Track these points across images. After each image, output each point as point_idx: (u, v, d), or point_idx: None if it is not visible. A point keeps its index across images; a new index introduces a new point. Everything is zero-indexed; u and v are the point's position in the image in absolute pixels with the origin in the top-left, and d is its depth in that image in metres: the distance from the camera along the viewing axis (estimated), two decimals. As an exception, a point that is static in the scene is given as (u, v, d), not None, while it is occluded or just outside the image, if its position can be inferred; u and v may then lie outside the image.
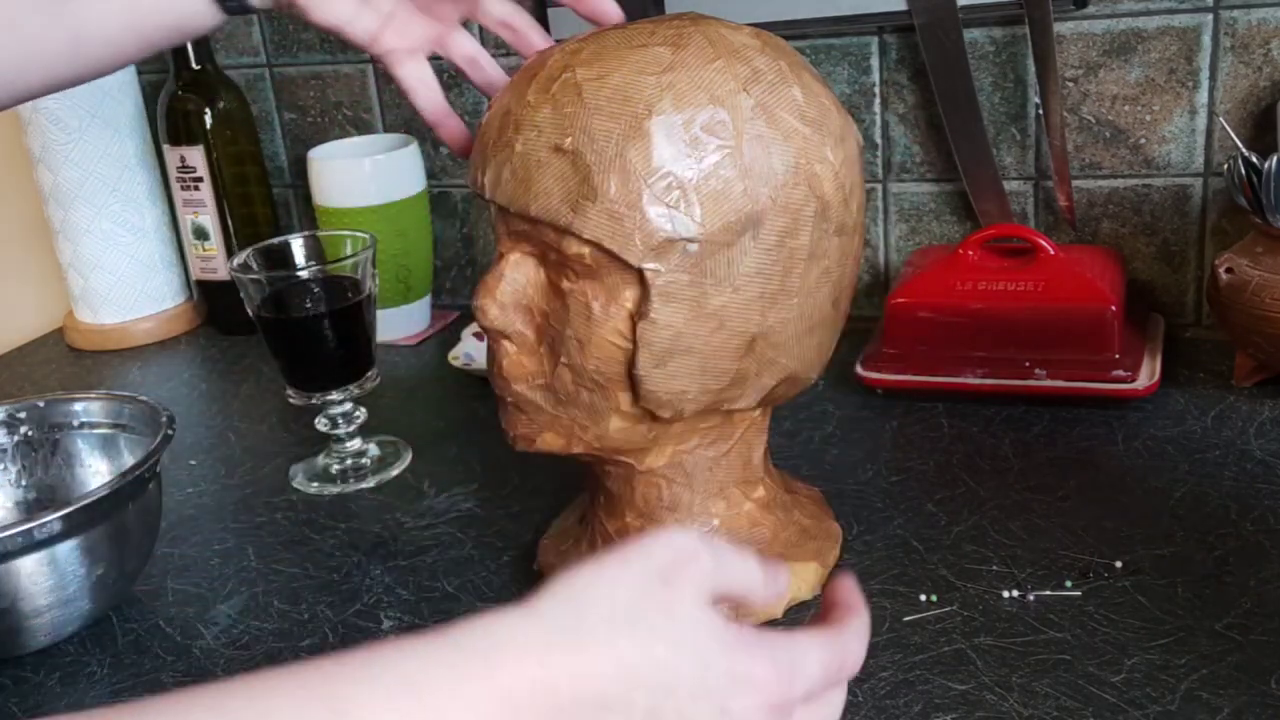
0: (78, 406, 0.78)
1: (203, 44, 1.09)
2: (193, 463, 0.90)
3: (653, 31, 0.58)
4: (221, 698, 0.34)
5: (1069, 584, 0.64)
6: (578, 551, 0.68)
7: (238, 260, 0.82)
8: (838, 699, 0.43)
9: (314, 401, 0.83)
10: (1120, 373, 0.81)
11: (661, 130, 0.55)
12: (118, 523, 0.67)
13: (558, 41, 0.64)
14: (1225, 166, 0.82)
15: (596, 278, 0.57)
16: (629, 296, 0.57)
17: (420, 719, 0.34)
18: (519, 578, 0.70)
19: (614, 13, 0.65)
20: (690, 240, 0.55)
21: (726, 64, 0.57)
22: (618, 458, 0.63)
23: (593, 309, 0.57)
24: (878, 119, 0.98)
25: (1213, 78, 0.87)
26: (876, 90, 0.97)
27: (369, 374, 0.84)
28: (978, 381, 0.84)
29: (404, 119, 1.14)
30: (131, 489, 0.67)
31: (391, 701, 0.34)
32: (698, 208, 0.55)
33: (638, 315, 0.57)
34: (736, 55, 0.57)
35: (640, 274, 0.56)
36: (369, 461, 0.86)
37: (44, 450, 0.77)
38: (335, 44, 1.13)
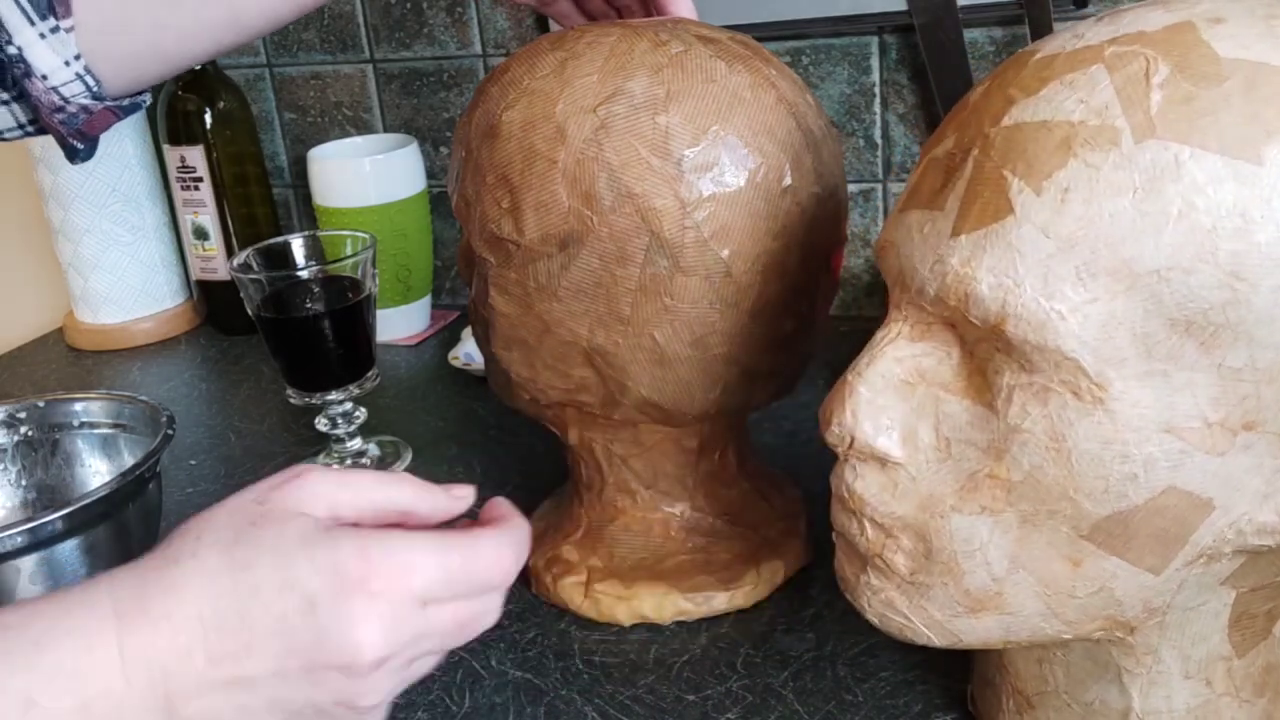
0: (78, 406, 0.77)
1: (203, 44, 1.10)
2: (193, 463, 0.90)
3: (624, 35, 0.59)
4: None
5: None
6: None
7: (238, 260, 0.82)
8: (483, 606, 0.44)
9: (314, 401, 0.83)
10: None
11: (507, 133, 0.57)
12: (118, 523, 0.67)
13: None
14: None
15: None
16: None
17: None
18: (518, 577, 0.70)
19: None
20: (513, 243, 0.58)
21: (600, 79, 0.56)
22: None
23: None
24: (878, 119, 0.98)
25: (1213, 78, 0.87)
26: (876, 90, 0.97)
27: (369, 374, 0.84)
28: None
29: (404, 119, 1.14)
30: (131, 489, 0.67)
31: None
32: (525, 214, 0.57)
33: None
34: (621, 71, 0.56)
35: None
36: (369, 461, 0.86)
37: (44, 450, 0.77)
38: (335, 44, 1.13)
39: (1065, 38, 0.42)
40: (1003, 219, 0.39)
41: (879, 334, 0.45)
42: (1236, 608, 0.44)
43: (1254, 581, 0.43)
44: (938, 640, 0.45)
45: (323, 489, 0.43)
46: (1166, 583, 0.42)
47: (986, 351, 0.41)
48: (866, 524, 0.45)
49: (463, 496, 0.47)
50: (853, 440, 0.44)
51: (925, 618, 0.45)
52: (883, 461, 0.44)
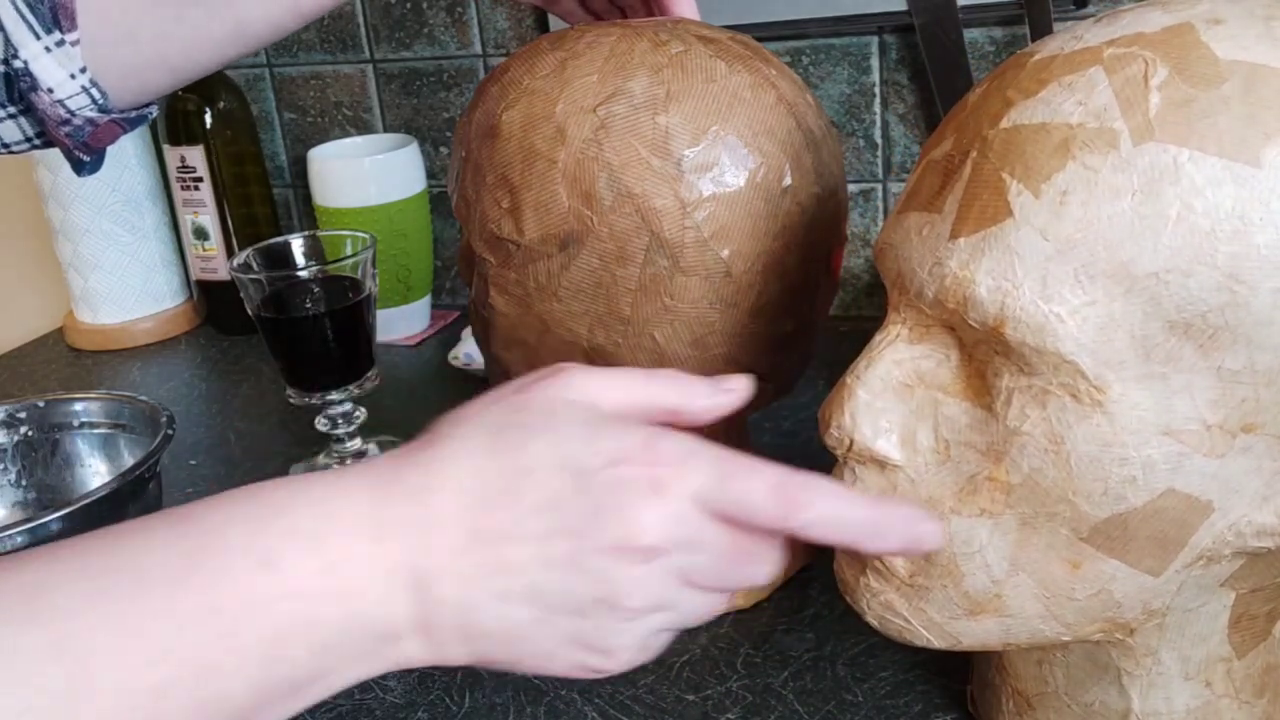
0: (78, 406, 0.77)
1: (203, 44, 1.10)
2: (193, 463, 0.90)
3: (624, 35, 0.58)
4: (177, 523, 0.38)
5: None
6: None
7: (238, 260, 0.82)
8: (758, 547, 0.40)
9: (314, 401, 0.83)
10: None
11: (507, 133, 0.57)
12: (118, 523, 0.67)
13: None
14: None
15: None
16: None
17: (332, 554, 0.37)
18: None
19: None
20: (513, 243, 0.57)
21: (600, 79, 0.56)
22: None
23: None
24: (878, 119, 0.98)
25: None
26: (876, 90, 0.97)
27: (369, 374, 0.84)
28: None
29: (404, 119, 1.14)
30: (131, 489, 0.67)
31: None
32: (525, 214, 0.57)
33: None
34: (621, 71, 0.56)
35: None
36: (369, 461, 0.86)
37: (44, 450, 0.77)
38: (335, 44, 1.13)
39: (1064, 39, 0.42)
40: (1001, 221, 0.39)
41: (877, 336, 0.45)
42: (1236, 609, 0.44)
43: (1254, 583, 0.43)
44: (937, 642, 0.45)
45: (590, 384, 0.41)
46: (1166, 584, 0.42)
47: (985, 354, 0.41)
48: None
49: (734, 389, 0.43)
50: (852, 443, 0.43)
51: (924, 620, 0.45)
52: (882, 464, 0.44)
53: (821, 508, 0.39)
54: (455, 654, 0.39)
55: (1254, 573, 0.43)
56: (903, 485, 0.43)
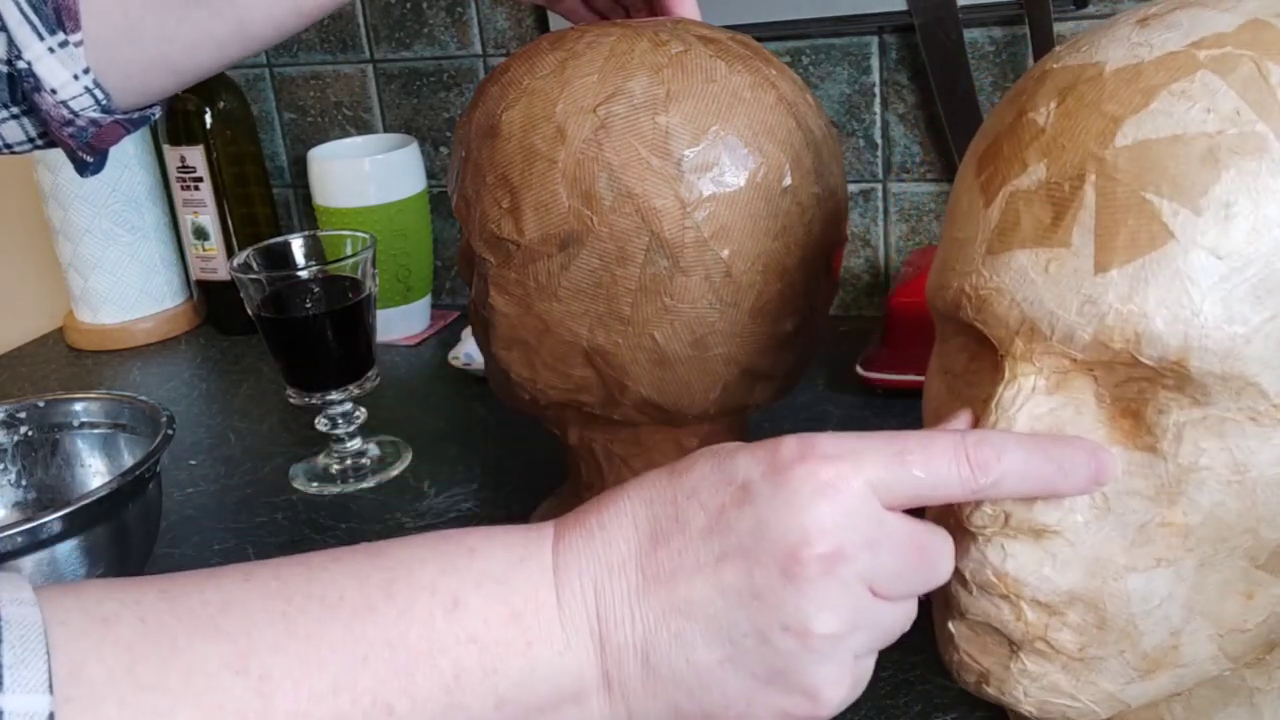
0: (78, 406, 0.77)
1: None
2: (193, 463, 0.90)
3: (624, 35, 0.58)
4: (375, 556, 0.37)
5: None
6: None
7: (238, 260, 0.82)
8: (943, 538, 0.37)
9: (314, 401, 0.83)
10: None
11: (507, 133, 0.57)
12: (118, 523, 0.67)
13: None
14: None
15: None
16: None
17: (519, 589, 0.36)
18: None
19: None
20: (513, 243, 0.57)
21: (600, 78, 0.56)
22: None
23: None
24: (878, 119, 0.98)
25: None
26: (876, 90, 0.97)
27: (369, 374, 0.84)
28: (978, 382, 0.83)
29: (404, 119, 1.14)
30: (131, 489, 0.67)
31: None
32: (525, 214, 0.57)
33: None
34: (621, 71, 0.56)
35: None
36: (369, 461, 0.86)
37: (44, 450, 0.77)
38: (335, 44, 1.13)
39: (1116, 48, 0.39)
40: (1161, 246, 0.36)
41: (1003, 393, 0.40)
42: None
43: None
44: (1104, 713, 0.41)
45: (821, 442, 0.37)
46: None
47: (1139, 391, 0.38)
48: (1024, 607, 0.40)
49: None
50: (1007, 517, 0.39)
51: (1094, 693, 0.40)
52: (1039, 533, 0.39)
53: (1008, 460, 0.36)
54: (645, 714, 0.36)
55: None
56: (1062, 552, 0.39)
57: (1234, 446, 0.37)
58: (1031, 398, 0.39)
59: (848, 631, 0.35)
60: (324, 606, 0.35)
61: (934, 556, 0.38)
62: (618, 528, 0.37)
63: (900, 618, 0.38)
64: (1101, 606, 0.39)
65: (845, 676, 0.36)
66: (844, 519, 0.35)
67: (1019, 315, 0.39)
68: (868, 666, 0.38)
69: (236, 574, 0.35)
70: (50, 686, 0.30)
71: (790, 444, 0.36)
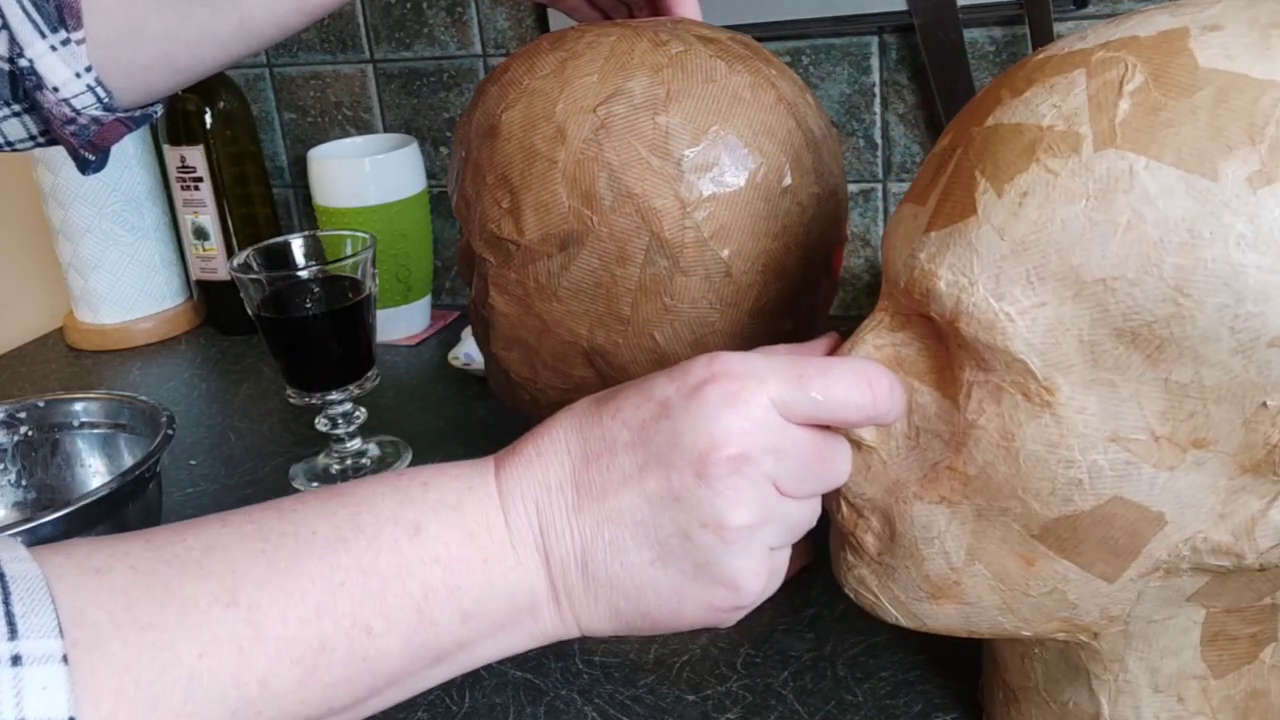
0: (78, 406, 0.77)
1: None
2: (193, 463, 0.90)
3: (624, 35, 0.58)
4: (328, 500, 0.40)
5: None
6: None
7: (238, 260, 0.82)
8: (840, 444, 0.42)
9: (314, 401, 0.83)
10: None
11: (507, 133, 0.57)
12: (118, 523, 0.67)
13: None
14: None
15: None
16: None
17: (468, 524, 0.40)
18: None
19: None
20: (513, 243, 0.57)
21: (600, 78, 0.56)
22: None
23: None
24: (878, 119, 0.98)
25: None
26: (876, 90, 0.97)
27: (369, 374, 0.84)
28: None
29: (404, 119, 1.14)
30: (131, 489, 0.67)
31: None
32: (525, 214, 0.57)
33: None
34: (621, 71, 0.56)
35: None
36: (369, 461, 0.86)
37: (44, 450, 0.77)
38: (335, 44, 1.13)
39: (1071, 39, 0.42)
40: (966, 218, 0.40)
41: (865, 320, 0.46)
42: (1210, 626, 0.44)
43: (1227, 603, 0.43)
44: (904, 621, 0.46)
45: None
46: (1122, 591, 0.41)
47: (958, 345, 0.41)
48: (843, 502, 0.46)
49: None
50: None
51: (891, 597, 0.45)
52: (859, 444, 0.44)
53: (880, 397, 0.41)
54: (590, 620, 0.41)
55: (1225, 591, 0.42)
56: (875, 466, 0.44)
57: (1006, 415, 0.40)
58: (877, 330, 0.44)
59: (759, 524, 0.39)
60: (299, 541, 0.38)
61: (832, 459, 0.42)
62: (553, 453, 0.41)
63: (806, 514, 0.42)
64: (894, 521, 0.44)
65: (762, 567, 0.40)
66: (749, 425, 0.39)
67: (885, 257, 0.45)
68: (782, 559, 0.42)
69: (214, 521, 0.39)
70: (60, 631, 0.32)
71: (701, 362, 0.40)
